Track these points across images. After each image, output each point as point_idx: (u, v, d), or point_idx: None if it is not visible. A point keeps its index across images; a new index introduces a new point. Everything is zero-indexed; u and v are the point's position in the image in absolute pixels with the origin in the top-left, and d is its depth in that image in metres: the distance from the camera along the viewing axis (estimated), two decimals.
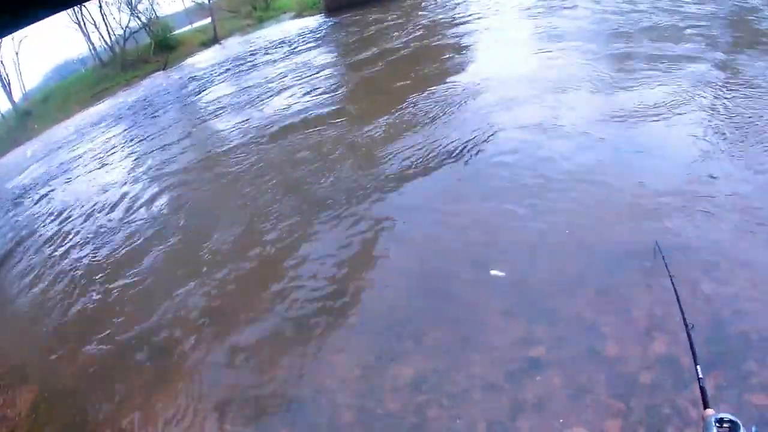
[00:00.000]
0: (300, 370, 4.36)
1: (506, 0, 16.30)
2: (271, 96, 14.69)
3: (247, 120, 13.29)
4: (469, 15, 16.02)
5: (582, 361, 3.46)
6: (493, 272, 4.81)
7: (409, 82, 10.89)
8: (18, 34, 32.24)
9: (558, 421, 3.18)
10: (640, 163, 5.74)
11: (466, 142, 7.44)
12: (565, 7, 13.42)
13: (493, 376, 3.58)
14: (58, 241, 10.56)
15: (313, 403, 3.98)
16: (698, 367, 2.27)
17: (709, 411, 1.96)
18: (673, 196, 4.94)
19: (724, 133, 5.92)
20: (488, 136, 7.38)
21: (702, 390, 2.15)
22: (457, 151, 7.27)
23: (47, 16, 16.05)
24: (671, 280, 3.12)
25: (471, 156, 7.06)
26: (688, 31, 9.61)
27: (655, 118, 6.61)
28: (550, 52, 10.34)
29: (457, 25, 15.23)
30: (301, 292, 5.49)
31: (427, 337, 4.17)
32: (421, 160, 7.42)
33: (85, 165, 16.54)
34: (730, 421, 1.79)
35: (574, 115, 7.26)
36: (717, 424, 1.80)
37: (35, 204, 14.82)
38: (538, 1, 14.86)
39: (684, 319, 2.65)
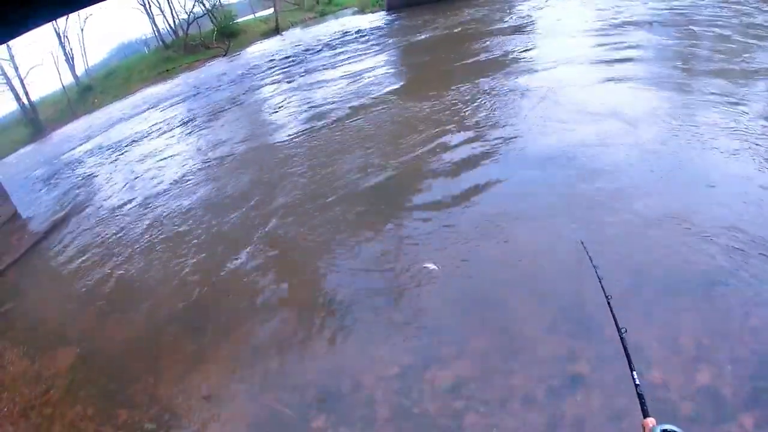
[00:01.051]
0: (340, 361, 4.30)
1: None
2: (328, 86, 14.44)
3: (305, 105, 13.12)
4: (532, 20, 15.39)
5: (623, 384, 3.08)
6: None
7: (468, 85, 10.29)
8: (84, 12, 33.22)
9: None
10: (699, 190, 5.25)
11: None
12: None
13: (532, 389, 3.45)
14: (111, 210, 10.71)
15: (351, 395, 3.90)
16: (634, 373, 2.16)
17: (650, 420, 1.88)
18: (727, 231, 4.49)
19: None
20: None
21: (640, 397, 2.05)
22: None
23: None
24: (598, 278, 2.93)
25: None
26: None
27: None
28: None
29: (522, 28, 14.61)
30: (350, 283, 5.33)
31: (470, 344, 4.03)
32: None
33: (142, 139, 16.78)
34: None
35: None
36: None
37: (89, 174, 15.08)
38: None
39: (616, 323, 2.48)
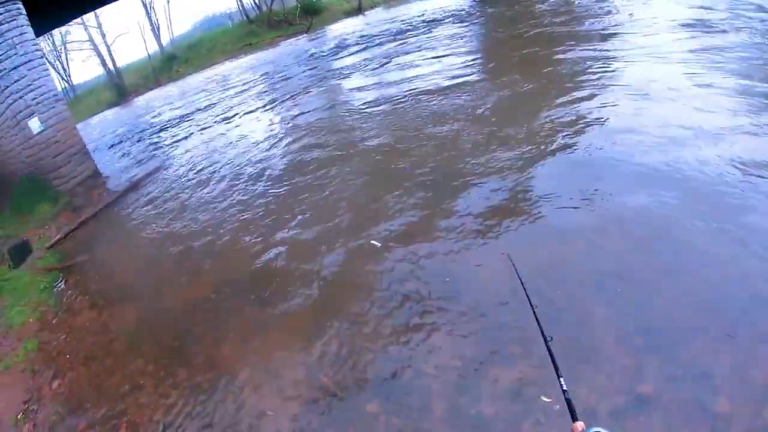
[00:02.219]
0: (402, 349, 4.14)
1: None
2: (406, 67, 13.90)
3: (383, 85, 12.64)
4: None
5: (688, 410, 3.09)
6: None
7: (545, 82, 9.28)
8: None
9: None
10: None
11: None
12: None
13: (595, 402, 3.24)
14: (188, 174, 10.80)
15: (409, 384, 3.79)
16: (561, 379, 2.15)
17: (579, 424, 1.87)
18: None
19: None
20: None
21: (568, 402, 2.03)
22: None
23: None
24: (524, 289, 2.90)
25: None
26: None
27: None
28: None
29: (606, 14, 13.48)
30: (420, 272, 5.00)
31: (536, 347, 3.60)
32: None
33: (222, 109, 16.82)
34: None
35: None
36: None
37: (170, 138, 15.31)
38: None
39: (542, 331, 2.43)
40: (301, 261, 5.79)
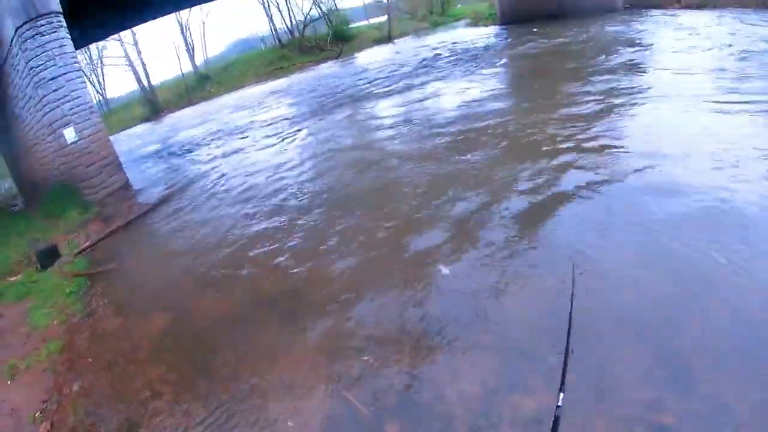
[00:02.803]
0: (423, 372, 4.08)
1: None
2: (433, 96, 14.09)
3: (413, 113, 12.72)
4: (653, 44, 14.08)
5: None
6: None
7: (574, 109, 9.32)
8: (206, 6, 35.05)
9: None
10: None
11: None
12: None
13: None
14: (218, 191, 10.93)
15: (429, 407, 3.71)
16: (562, 394, 2.12)
17: None
18: None
19: None
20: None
21: (556, 418, 2.04)
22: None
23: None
24: (571, 299, 2.87)
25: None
26: None
27: None
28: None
29: (636, 45, 13.54)
30: (439, 299, 5.00)
31: (557, 377, 3.49)
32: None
33: (252, 129, 17.13)
34: None
35: None
36: None
37: (201, 155, 15.57)
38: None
39: (567, 342, 2.41)
40: (329, 283, 5.80)
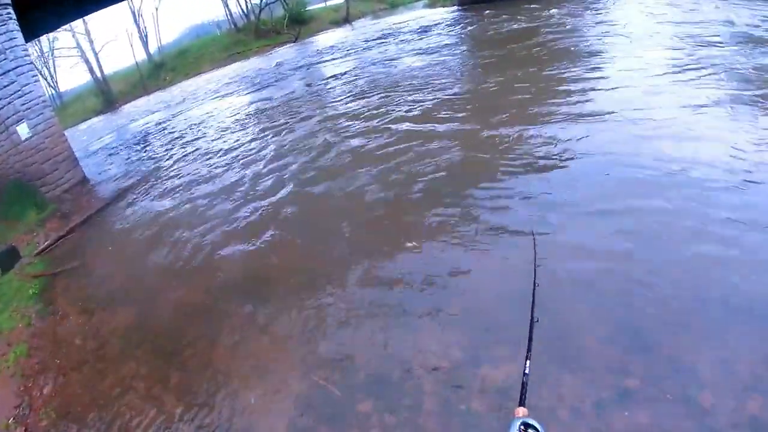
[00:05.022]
0: (392, 349, 4.26)
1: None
2: (389, 79, 14.03)
3: (373, 97, 12.63)
4: (610, 20, 14.37)
5: (673, 403, 3.22)
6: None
7: (530, 85, 9.51)
8: None
9: None
10: None
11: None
12: None
13: (581, 399, 3.36)
14: (175, 180, 10.89)
15: (400, 383, 3.88)
16: (528, 362, 2.20)
17: (522, 410, 1.91)
18: None
19: None
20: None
21: (524, 385, 2.07)
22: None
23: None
24: (534, 270, 2.93)
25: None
26: None
27: None
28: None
29: (596, 25, 13.81)
30: (407, 276, 5.13)
31: (524, 347, 3.65)
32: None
33: (209, 117, 16.93)
34: (536, 429, 1.73)
35: None
36: (521, 426, 1.75)
37: (158, 145, 15.37)
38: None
39: (532, 310, 2.49)
40: (294, 266, 5.89)
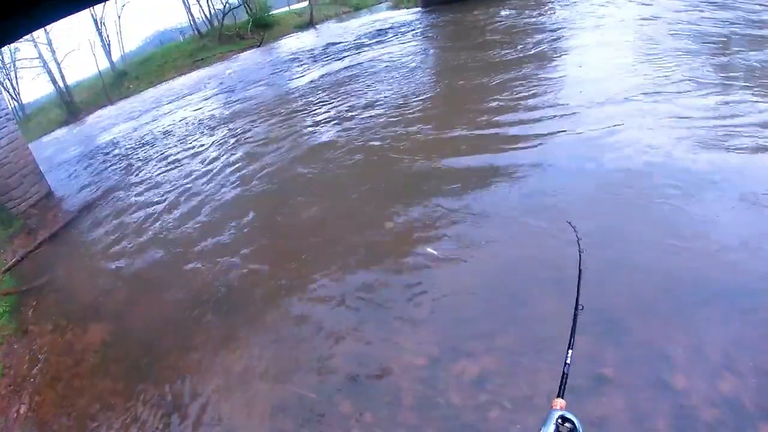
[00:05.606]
0: (368, 349, 4.38)
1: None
2: (357, 80, 14.40)
3: (337, 100, 13.00)
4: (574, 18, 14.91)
5: (647, 388, 3.36)
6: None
7: (497, 82, 10.10)
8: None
9: None
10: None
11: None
12: None
13: (557, 386, 3.20)
14: (143, 192, 10.93)
15: (377, 382, 3.99)
16: (570, 351, 2.10)
17: (560, 402, 1.84)
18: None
19: None
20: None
21: (565, 376, 2.00)
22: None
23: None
24: (579, 258, 2.78)
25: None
26: None
27: None
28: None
29: (556, 27, 14.28)
30: (377, 274, 5.36)
31: (497, 339, 4.08)
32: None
33: (174, 125, 16.98)
34: (573, 423, 1.68)
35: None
36: (559, 420, 1.70)
37: (123, 156, 15.33)
38: None
39: (577, 298, 2.41)
40: (263, 274, 6.03)
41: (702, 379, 3.32)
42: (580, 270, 2.65)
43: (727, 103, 6.83)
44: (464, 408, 3.55)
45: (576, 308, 2.36)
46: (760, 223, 4.60)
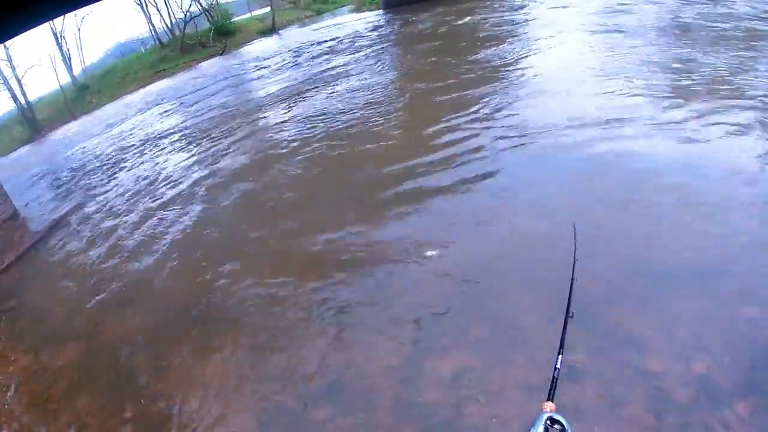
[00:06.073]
0: (341, 354, 4.40)
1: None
2: (322, 86, 14.57)
3: (298, 107, 13.19)
4: (533, 18, 15.46)
5: (621, 372, 3.41)
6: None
7: (457, 82, 10.51)
8: (81, 11, 33.27)
9: (593, 430, 3.13)
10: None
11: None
12: None
13: (531, 378, 3.49)
14: (109, 208, 10.86)
15: (353, 385, 4.00)
16: (560, 357, 2.13)
17: (549, 405, 1.84)
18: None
19: None
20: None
21: (554, 380, 2.01)
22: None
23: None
24: (574, 264, 2.85)
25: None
26: None
27: None
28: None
29: (519, 23, 14.77)
30: (345, 276, 5.48)
31: (469, 334, 4.13)
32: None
33: (137, 139, 16.90)
34: (561, 425, 1.69)
35: None
36: (548, 422, 1.70)
37: (87, 173, 15.19)
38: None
39: (568, 304, 2.44)
40: (233, 287, 6.01)
41: (675, 361, 3.39)
42: (573, 278, 2.69)
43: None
44: (441, 405, 3.59)
45: (567, 315, 2.40)
46: (719, 205, 4.88)
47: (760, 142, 5.75)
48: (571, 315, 2.39)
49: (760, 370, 3.22)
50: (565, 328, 2.31)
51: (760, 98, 6.63)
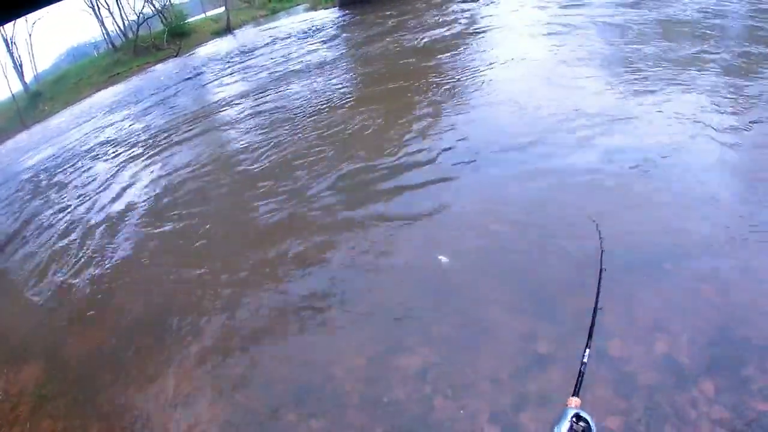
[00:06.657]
0: (307, 356, 4.38)
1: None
2: (278, 85, 14.75)
3: (256, 106, 13.33)
4: (488, 15, 15.79)
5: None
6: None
7: (412, 80, 10.74)
8: (31, 16, 32.60)
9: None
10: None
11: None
12: None
13: (497, 369, 3.56)
14: (65, 220, 10.69)
15: (321, 387, 3.99)
16: (588, 350, 2.17)
17: (575, 400, 1.89)
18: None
19: None
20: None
21: (581, 375, 2.04)
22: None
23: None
24: (601, 258, 2.93)
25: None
26: None
27: None
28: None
29: (473, 23, 15.10)
30: (306, 279, 5.47)
31: (434, 330, 4.14)
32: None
33: (92, 147, 16.79)
34: (587, 422, 1.73)
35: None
36: (573, 419, 1.74)
37: (42, 184, 14.99)
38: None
39: (597, 299, 2.50)
40: (195, 297, 5.92)
41: (637, 344, 3.43)
42: (601, 269, 2.69)
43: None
44: (409, 401, 3.60)
45: (595, 308, 2.39)
46: (668, 190, 5.03)
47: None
48: (600, 308, 2.40)
49: (722, 347, 3.30)
50: (593, 321, 2.32)
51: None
